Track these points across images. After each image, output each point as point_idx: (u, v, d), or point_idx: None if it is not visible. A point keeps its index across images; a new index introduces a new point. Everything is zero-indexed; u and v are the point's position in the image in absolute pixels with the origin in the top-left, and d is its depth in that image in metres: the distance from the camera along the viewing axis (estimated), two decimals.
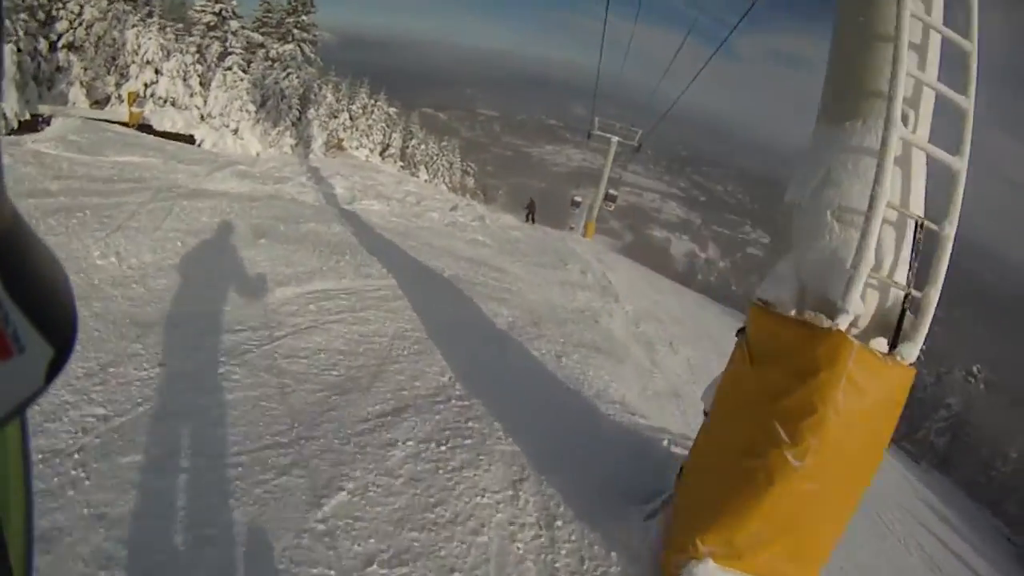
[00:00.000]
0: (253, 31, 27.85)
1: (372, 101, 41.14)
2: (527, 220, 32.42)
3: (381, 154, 41.38)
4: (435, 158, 52.42)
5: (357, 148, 37.64)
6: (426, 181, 44.32)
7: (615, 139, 36.53)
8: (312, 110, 29.09)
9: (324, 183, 18.49)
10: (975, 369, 40.32)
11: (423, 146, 50.91)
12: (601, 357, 10.03)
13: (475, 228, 18.00)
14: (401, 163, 44.77)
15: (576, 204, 42.23)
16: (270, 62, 27.82)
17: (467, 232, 16.94)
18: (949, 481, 34.37)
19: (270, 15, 29.01)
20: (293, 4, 28.80)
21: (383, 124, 41.99)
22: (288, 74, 27.67)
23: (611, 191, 37.84)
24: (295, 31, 28.64)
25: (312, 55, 29.64)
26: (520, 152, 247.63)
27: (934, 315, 3.86)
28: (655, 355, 12.37)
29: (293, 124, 27.40)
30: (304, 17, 28.92)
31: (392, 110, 44.32)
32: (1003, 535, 29.59)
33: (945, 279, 3.82)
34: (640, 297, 17.50)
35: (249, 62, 26.36)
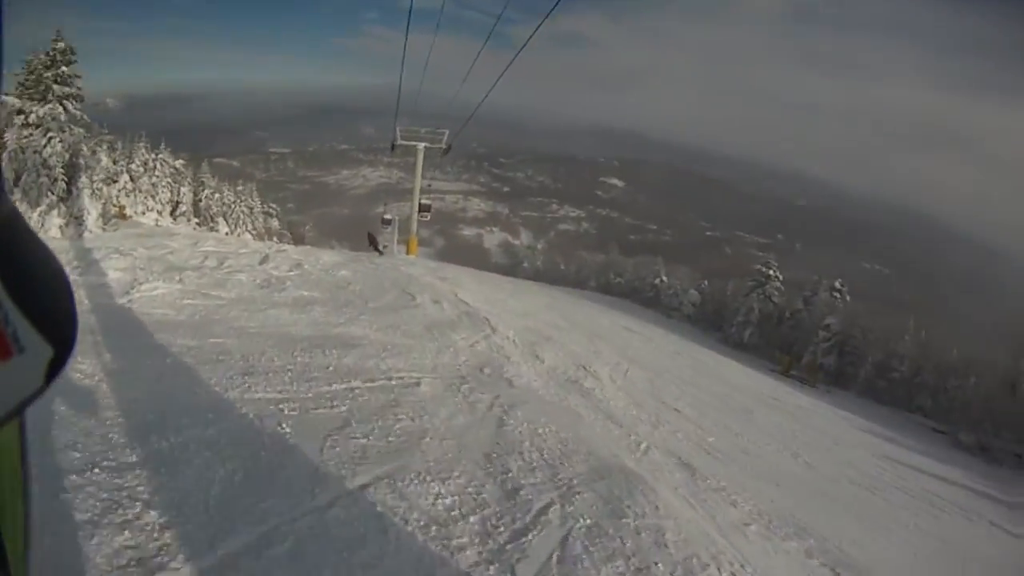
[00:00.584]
0: (9, 95, 23.67)
1: (153, 156, 37.26)
2: (377, 252, 32.63)
3: (172, 214, 37.93)
4: (233, 206, 48.43)
5: (143, 213, 33.91)
6: (228, 234, 41.58)
7: (421, 145, 35.04)
8: (83, 178, 25.08)
9: (94, 270, 13.68)
10: (837, 284, 42.87)
11: (218, 195, 46.84)
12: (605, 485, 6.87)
13: (296, 280, 15.11)
14: (197, 220, 41.39)
15: (387, 223, 40.09)
16: (29, 129, 23.67)
17: (288, 289, 13.97)
18: (852, 395, 36.25)
19: (31, 75, 23.95)
20: (51, 55, 24.27)
21: (169, 180, 38.17)
22: (50, 139, 23.66)
23: (423, 200, 36.68)
24: (55, 87, 24.05)
25: (78, 112, 24.90)
26: (317, 183, 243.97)
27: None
28: (633, 408, 11.72)
29: (61, 199, 23.80)
30: (64, 68, 24.34)
31: (179, 163, 40.46)
32: (928, 428, 31.44)
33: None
34: (506, 313, 16.85)
35: (2, 133, 22.86)
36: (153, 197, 36.35)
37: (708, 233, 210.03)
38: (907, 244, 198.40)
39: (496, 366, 10.80)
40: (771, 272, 43.89)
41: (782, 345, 40.34)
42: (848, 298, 42.85)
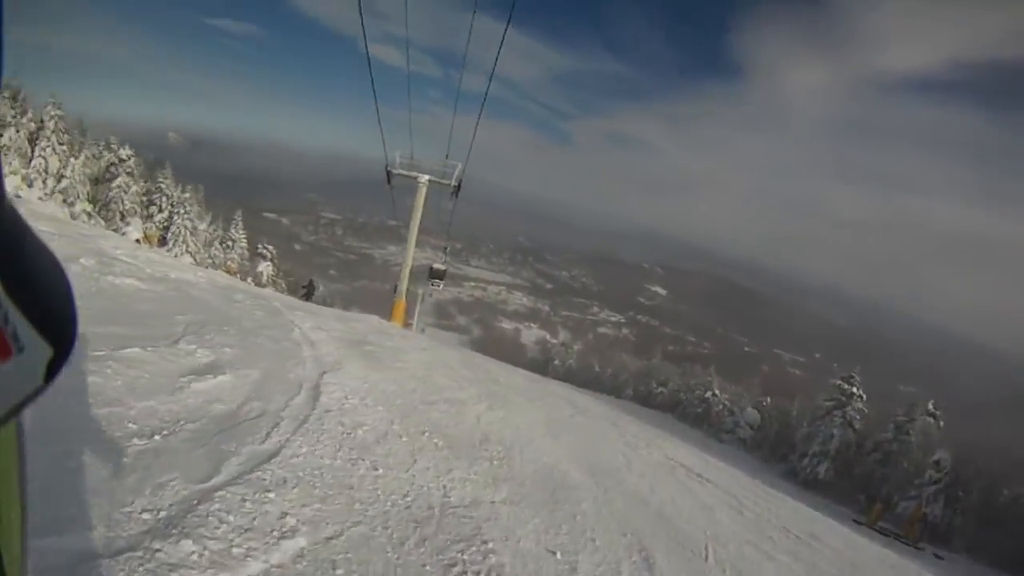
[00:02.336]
0: None
1: (57, 115, 33.24)
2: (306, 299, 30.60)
3: (46, 185, 32.21)
4: (182, 215, 39.28)
5: None
6: (141, 242, 33.67)
7: (424, 178, 28.67)
8: None
9: None
10: (930, 407, 33.83)
11: (163, 198, 39.37)
12: None
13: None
14: (92, 207, 34.78)
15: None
16: None
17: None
18: (964, 558, 28.01)
19: None
20: None
21: (64, 148, 33.35)
22: None
23: (437, 265, 31.72)
24: None
25: None
26: (363, 255, 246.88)
27: None
28: None
29: None
30: None
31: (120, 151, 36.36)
32: None
33: None
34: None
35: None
36: (26, 160, 31.02)
37: (747, 348, 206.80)
38: (946, 365, 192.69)
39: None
40: (854, 390, 34.79)
41: (865, 485, 32.55)
42: (941, 424, 33.60)
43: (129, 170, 36.98)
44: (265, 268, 50.80)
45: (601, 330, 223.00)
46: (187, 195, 40.00)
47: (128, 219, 35.72)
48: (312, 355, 10.30)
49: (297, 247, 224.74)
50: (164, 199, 38.68)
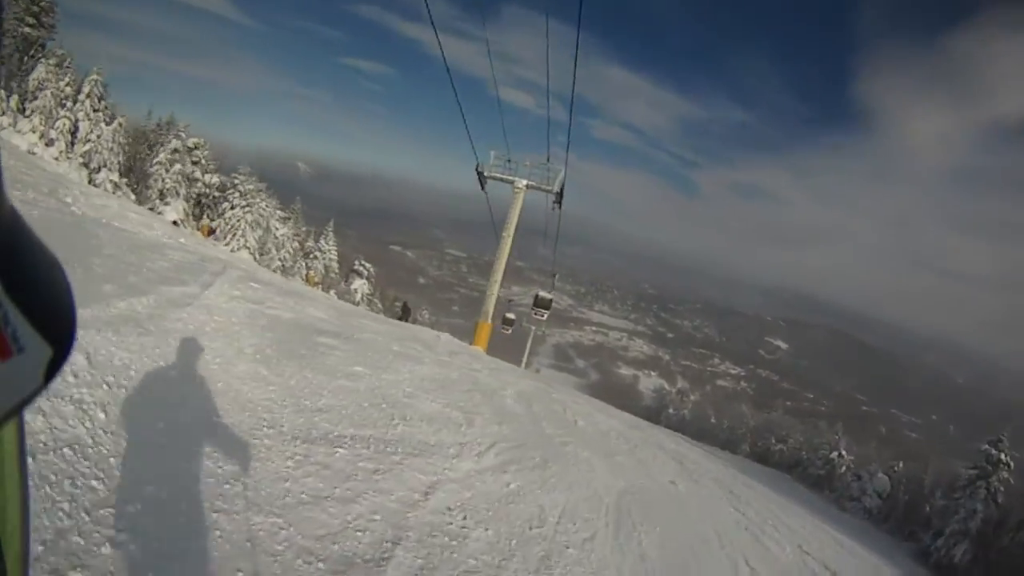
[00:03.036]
0: None
1: (96, 90, 31.35)
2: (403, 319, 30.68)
3: (67, 148, 29.88)
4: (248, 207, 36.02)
5: (16, 129, 28.17)
6: (179, 225, 31.52)
7: (522, 183, 25.55)
8: None
9: None
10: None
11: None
12: None
13: None
14: (120, 178, 31.92)
15: (508, 323, 33.42)
16: None
17: None
18: None
19: None
20: None
21: (94, 115, 30.95)
22: None
23: (543, 293, 30.15)
24: None
25: None
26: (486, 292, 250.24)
27: None
28: None
29: None
30: None
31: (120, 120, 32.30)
32: None
33: None
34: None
35: None
36: (47, 118, 28.90)
37: (864, 408, 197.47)
38: None
39: None
40: (1001, 456, 28.71)
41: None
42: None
43: (196, 159, 34.74)
44: (360, 286, 49.16)
45: (720, 382, 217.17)
46: (261, 191, 37.00)
47: (169, 199, 32.41)
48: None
49: (422, 280, 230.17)
50: (237, 194, 35.69)
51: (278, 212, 39.21)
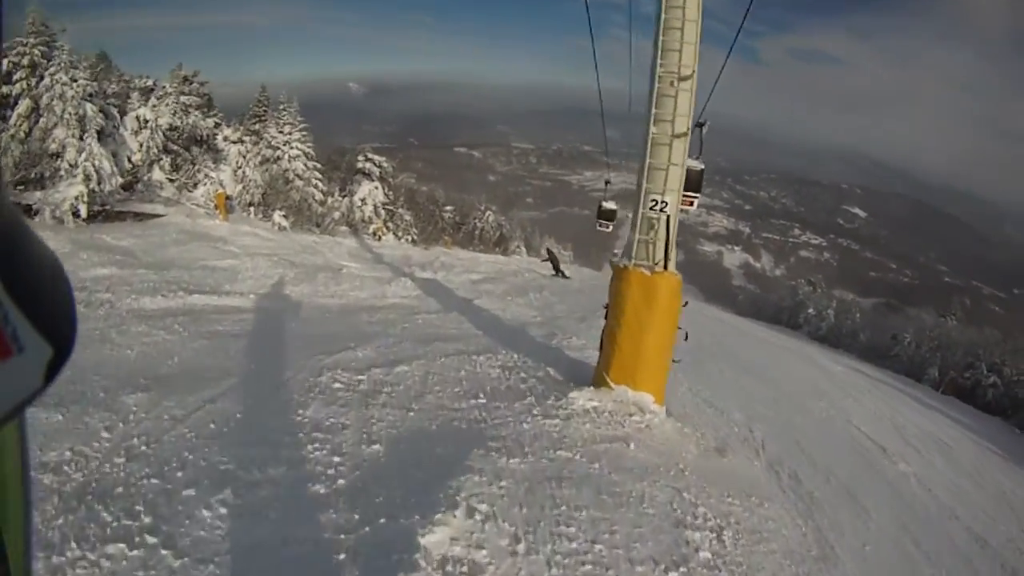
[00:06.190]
0: None
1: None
2: (556, 274, 27.54)
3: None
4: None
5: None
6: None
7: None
8: None
9: None
10: None
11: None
12: None
13: None
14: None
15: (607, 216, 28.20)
16: None
17: None
18: None
19: None
20: None
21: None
22: None
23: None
24: None
25: None
26: (559, 181, 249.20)
27: None
28: None
29: None
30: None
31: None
32: None
33: None
34: None
35: None
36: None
37: (947, 279, 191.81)
38: None
39: None
40: None
41: None
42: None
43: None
44: (370, 194, 33.43)
45: (803, 253, 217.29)
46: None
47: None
48: None
49: (491, 178, 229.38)
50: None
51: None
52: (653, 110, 8.09)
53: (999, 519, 9.95)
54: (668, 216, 8.14)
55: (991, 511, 10.32)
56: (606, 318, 8.42)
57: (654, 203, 8.25)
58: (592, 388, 8.28)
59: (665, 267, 8.04)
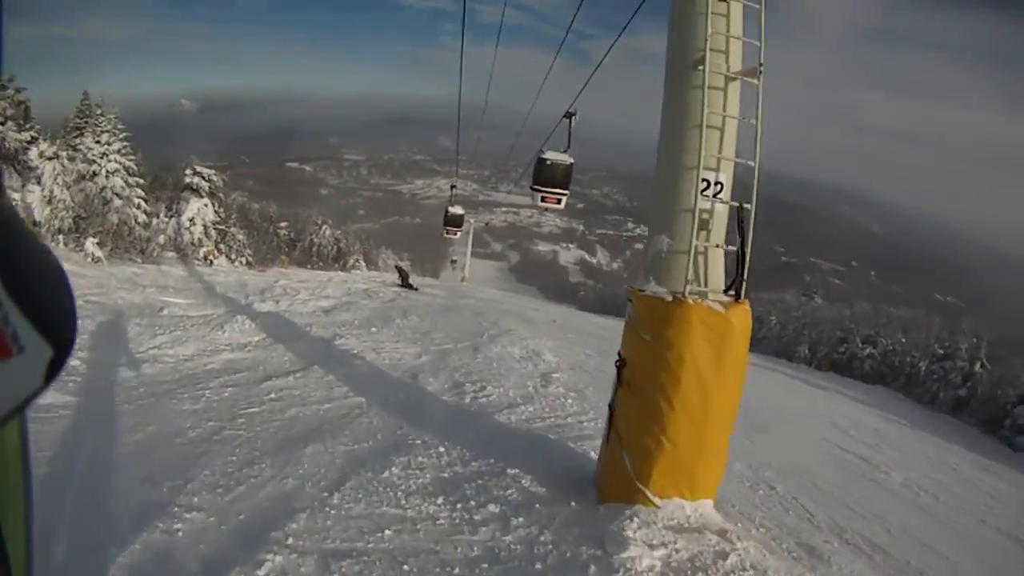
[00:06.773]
0: None
1: None
2: (404, 286, 26.33)
3: None
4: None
5: None
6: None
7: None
8: None
9: None
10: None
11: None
12: None
13: None
14: None
15: (454, 222, 27.01)
16: None
17: None
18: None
19: None
20: None
21: None
22: None
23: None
24: None
25: None
26: (390, 191, 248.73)
27: None
28: None
29: None
30: None
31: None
32: None
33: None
34: None
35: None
36: None
37: (784, 259, 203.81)
38: (980, 278, 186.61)
39: None
40: None
41: None
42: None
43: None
44: (199, 212, 29.28)
45: (638, 245, 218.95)
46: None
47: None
48: None
49: (323, 191, 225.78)
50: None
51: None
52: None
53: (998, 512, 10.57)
54: (740, 206, 5.34)
55: (996, 508, 10.87)
56: (619, 381, 5.45)
57: (706, 185, 5.30)
58: (627, 508, 5.06)
59: (738, 295, 5.22)
